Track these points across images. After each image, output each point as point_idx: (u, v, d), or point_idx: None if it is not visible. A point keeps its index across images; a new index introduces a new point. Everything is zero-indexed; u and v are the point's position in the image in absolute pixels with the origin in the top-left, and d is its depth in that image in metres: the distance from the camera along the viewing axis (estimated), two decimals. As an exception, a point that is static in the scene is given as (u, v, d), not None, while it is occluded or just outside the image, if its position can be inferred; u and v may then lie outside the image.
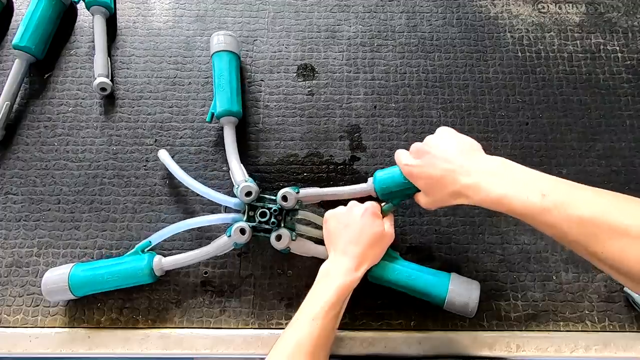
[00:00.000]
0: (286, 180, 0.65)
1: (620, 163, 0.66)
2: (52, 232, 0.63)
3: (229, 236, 0.57)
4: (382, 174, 0.57)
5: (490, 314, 0.60)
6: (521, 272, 0.61)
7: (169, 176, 0.65)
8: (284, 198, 0.58)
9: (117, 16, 0.73)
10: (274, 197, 0.59)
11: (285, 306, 0.60)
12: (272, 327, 0.59)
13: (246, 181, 0.59)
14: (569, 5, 0.75)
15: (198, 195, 0.64)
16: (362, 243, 0.53)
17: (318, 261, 0.61)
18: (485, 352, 0.58)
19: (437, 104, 0.69)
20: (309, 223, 0.61)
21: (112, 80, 0.69)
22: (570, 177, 0.64)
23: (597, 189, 0.41)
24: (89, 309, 0.59)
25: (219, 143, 0.66)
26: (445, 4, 0.75)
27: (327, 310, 0.49)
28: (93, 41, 0.70)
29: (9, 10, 0.74)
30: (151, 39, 0.72)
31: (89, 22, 0.73)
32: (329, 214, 0.58)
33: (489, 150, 0.66)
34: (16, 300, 0.60)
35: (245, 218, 0.58)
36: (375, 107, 0.69)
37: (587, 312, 0.60)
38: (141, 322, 0.59)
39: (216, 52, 0.65)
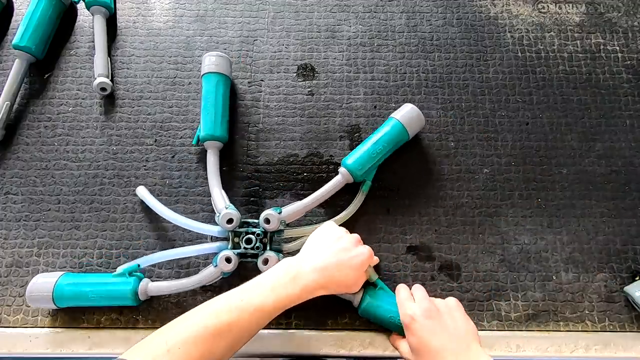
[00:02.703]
0: (286, 180, 0.65)
1: (620, 163, 0.66)
2: (52, 232, 0.63)
3: (216, 266, 0.56)
4: (350, 160, 0.60)
5: (490, 314, 0.60)
6: (521, 272, 0.61)
7: (169, 176, 0.65)
8: (267, 221, 0.57)
9: (117, 16, 0.73)
10: (257, 221, 0.58)
11: (285, 306, 0.60)
12: (271, 327, 0.59)
13: (226, 208, 0.58)
14: (569, 5, 0.75)
15: (198, 195, 0.64)
16: (338, 275, 0.51)
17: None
18: (485, 352, 0.58)
19: (437, 104, 0.69)
20: (297, 238, 0.60)
21: (112, 80, 0.69)
22: (570, 177, 0.65)
23: None
24: (89, 309, 0.59)
25: (219, 143, 0.66)
26: (445, 4, 0.75)
27: (278, 308, 0.47)
28: (93, 41, 0.70)
29: (9, 10, 0.74)
30: (151, 39, 0.72)
31: (89, 22, 0.73)
32: (320, 229, 0.56)
33: (489, 150, 0.66)
34: (16, 300, 0.60)
35: (230, 246, 0.58)
36: (375, 107, 0.69)
37: (587, 312, 0.60)
38: (141, 322, 0.59)
39: (205, 73, 0.64)
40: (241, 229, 0.58)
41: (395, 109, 0.66)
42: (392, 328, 0.56)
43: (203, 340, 0.43)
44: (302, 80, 0.70)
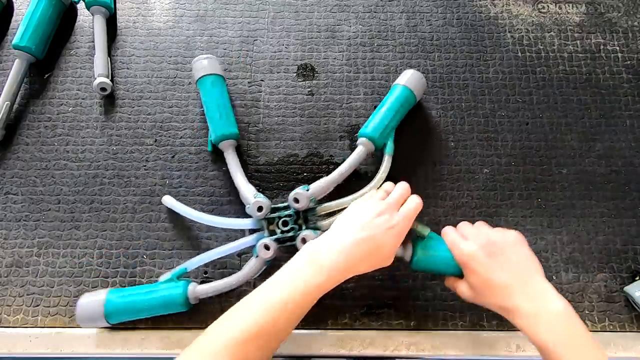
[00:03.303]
0: (286, 180, 0.65)
1: (620, 163, 0.66)
2: (52, 232, 0.63)
3: (257, 256, 0.56)
4: (369, 129, 0.61)
5: (491, 314, 0.60)
6: (521, 272, 0.61)
7: (169, 176, 0.65)
8: (296, 200, 0.57)
9: (117, 16, 0.73)
10: (287, 204, 0.58)
11: (285, 306, 0.60)
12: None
13: (255, 197, 0.58)
14: (569, 5, 0.75)
15: (198, 195, 0.64)
16: (367, 254, 0.47)
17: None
18: (485, 352, 0.58)
19: (437, 104, 0.69)
20: (333, 213, 0.59)
21: (112, 80, 0.69)
22: (570, 177, 0.65)
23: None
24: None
25: (219, 143, 0.66)
26: (445, 4, 0.75)
27: (308, 300, 0.44)
28: (93, 41, 0.70)
29: (9, 10, 0.74)
30: (151, 39, 0.72)
31: (89, 22, 0.73)
32: (357, 203, 0.52)
33: (489, 150, 0.66)
34: (16, 300, 0.60)
35: (267, 233, 0.58)
36: (375, 107, 0.69)
37: (587, 312, 0.60)
38: (141, 322, 0.59)
39: (199, 78, 0.64)
40: (273, 215, 0.58)
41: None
42: (448, 274, 0.54)
43: (234, 350, 0.41)
44: (302, 80, 0.70)
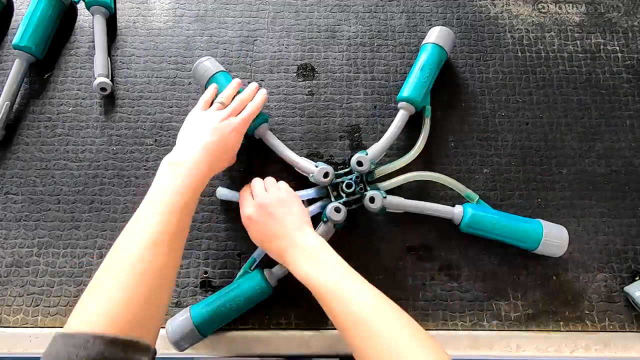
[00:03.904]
0: (286, 180, 0.65)
1: (620, 163, 0.66)
2: (52, 232, 0.63)
3: (326, 221, 0.58)
4: (406, 92, 0.64)
5: (490, 314, 0.60)
6: (521, 272, 0.61)
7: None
8: (359, 164, 0.60)
9: (117, 16, 0.73)
10: (346, 169, 0.62)
11: (285, 306, 0.60)
12: (272, 327, 0.59)
13: (317, 166, 0.60)
14: (569, 5, 0.75)
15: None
16: (219, 151, 0.54)
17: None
18: (485, 352, 0.58)
19: (437, 104, 0.69)
20: (389, 176, 0.63)
21: (112, 80, 0.69)
22: (570, 177, 0.65)
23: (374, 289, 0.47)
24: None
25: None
26: (445, 4, 0.75)
27: (189, 203, 0.49)
28: (93, 41, 0.70)
29: (9, 10, 0.74)
30: (151, 39, 0.72)
31: (89, 22, 0.73)
32: (196, 114, 0.58)
33: (489, 150, 0.66)
34: (16, 300, 0.60)
35: (333, 199, 0.61)
36: (375, 107, 0.69)
37: (587, 312, 0.60)
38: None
39: (209, 78, 0.64)
40: (337, 180, 0.61)
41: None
42: (495, 237, 0.59)
43: (134, 265, 0.43)
44: (302, 80, 0.70)
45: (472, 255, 0.62)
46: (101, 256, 0.61)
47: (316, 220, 0.60)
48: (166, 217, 0.46)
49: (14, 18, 0.73)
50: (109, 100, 0.69)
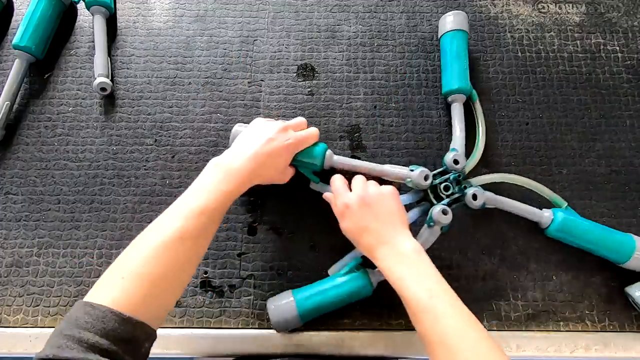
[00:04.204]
0: (286, 180, 0.65)
1: (620, 163, 0.66)
2: (52, 232, 0.63)
3: (432, 225, 0.57)
4: (453, 84, 0.65)
5: (490, 314, 0.60)
6: (521, 272, 0.61)
7: (169, 176, 0.65)
8: (455, 162, 0.59)
9: (117, 16, 0.74)
10: (440, 169, 0.60)
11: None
12: (272, 327, 0.59)
13: (412, 170, 0.59)
14: (569, 5, 0.75)
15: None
16: (270, 161, 0.54)
17: (318, 260, 0.61)
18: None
19: (437, 104, 0.69)
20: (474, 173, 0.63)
21: (112, 80, 0.69)
22: (570, 177, 0.65)
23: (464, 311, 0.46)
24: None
25: (219, 143, 0.66)
26: (445, 4, 0.75)
27: (220, 207, 0.49)
28: (93, 41, 0.70)
29: (9, 10, 0.74)
30: (151, 39, 0.72)
31: (89, 22, 0.73)
32: (259, 123, 0.58)
33: (490, 150, 0.66)
34: (16, 300, 0.60)
35: (434, 201, 0.59)
36: (375, 107, 0.69)
37: (587, 312, 0.60)
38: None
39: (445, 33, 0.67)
40: (435, 181, 0.59)
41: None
42: (581, 245, 0.60)
43: (159, 255, 0.44)
44: (302, 80, 0.70)
45: (472, 255, 0.62)
46: (101, 256, 0.61)
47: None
48: (197, 215, 0.47)
49: (14, 18, 0.73)
50: (109, 100, 0.69)
